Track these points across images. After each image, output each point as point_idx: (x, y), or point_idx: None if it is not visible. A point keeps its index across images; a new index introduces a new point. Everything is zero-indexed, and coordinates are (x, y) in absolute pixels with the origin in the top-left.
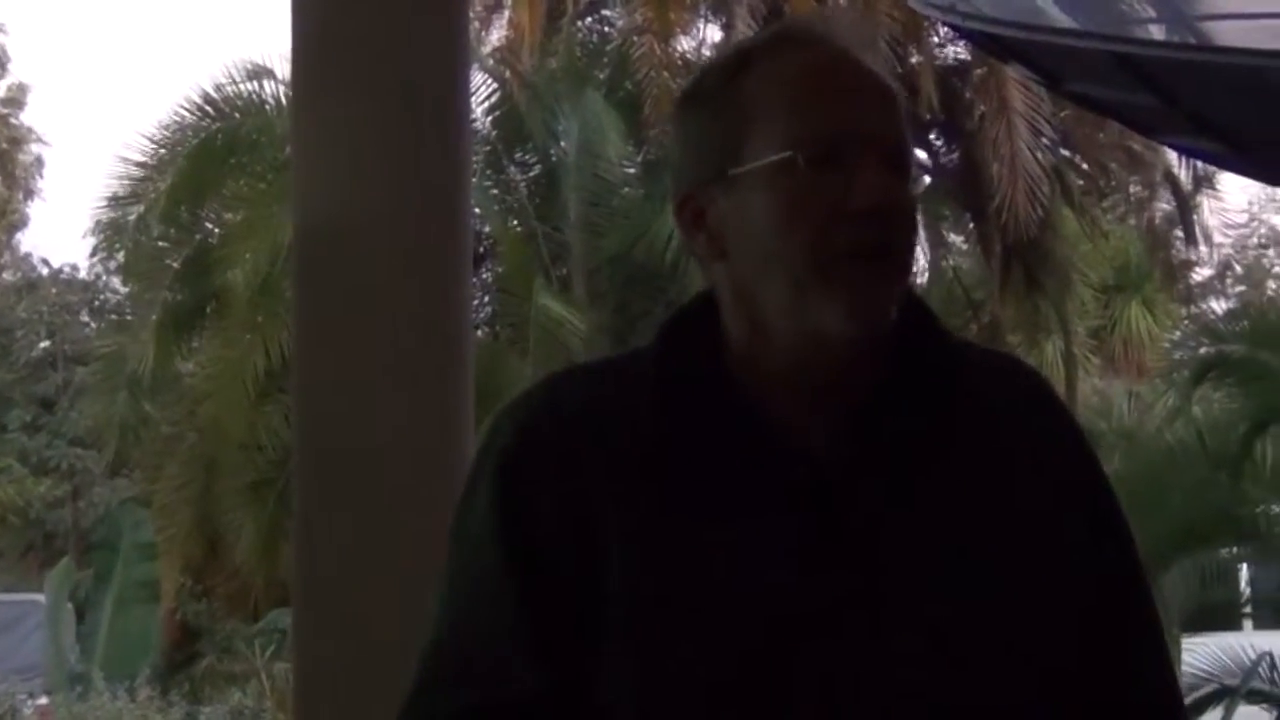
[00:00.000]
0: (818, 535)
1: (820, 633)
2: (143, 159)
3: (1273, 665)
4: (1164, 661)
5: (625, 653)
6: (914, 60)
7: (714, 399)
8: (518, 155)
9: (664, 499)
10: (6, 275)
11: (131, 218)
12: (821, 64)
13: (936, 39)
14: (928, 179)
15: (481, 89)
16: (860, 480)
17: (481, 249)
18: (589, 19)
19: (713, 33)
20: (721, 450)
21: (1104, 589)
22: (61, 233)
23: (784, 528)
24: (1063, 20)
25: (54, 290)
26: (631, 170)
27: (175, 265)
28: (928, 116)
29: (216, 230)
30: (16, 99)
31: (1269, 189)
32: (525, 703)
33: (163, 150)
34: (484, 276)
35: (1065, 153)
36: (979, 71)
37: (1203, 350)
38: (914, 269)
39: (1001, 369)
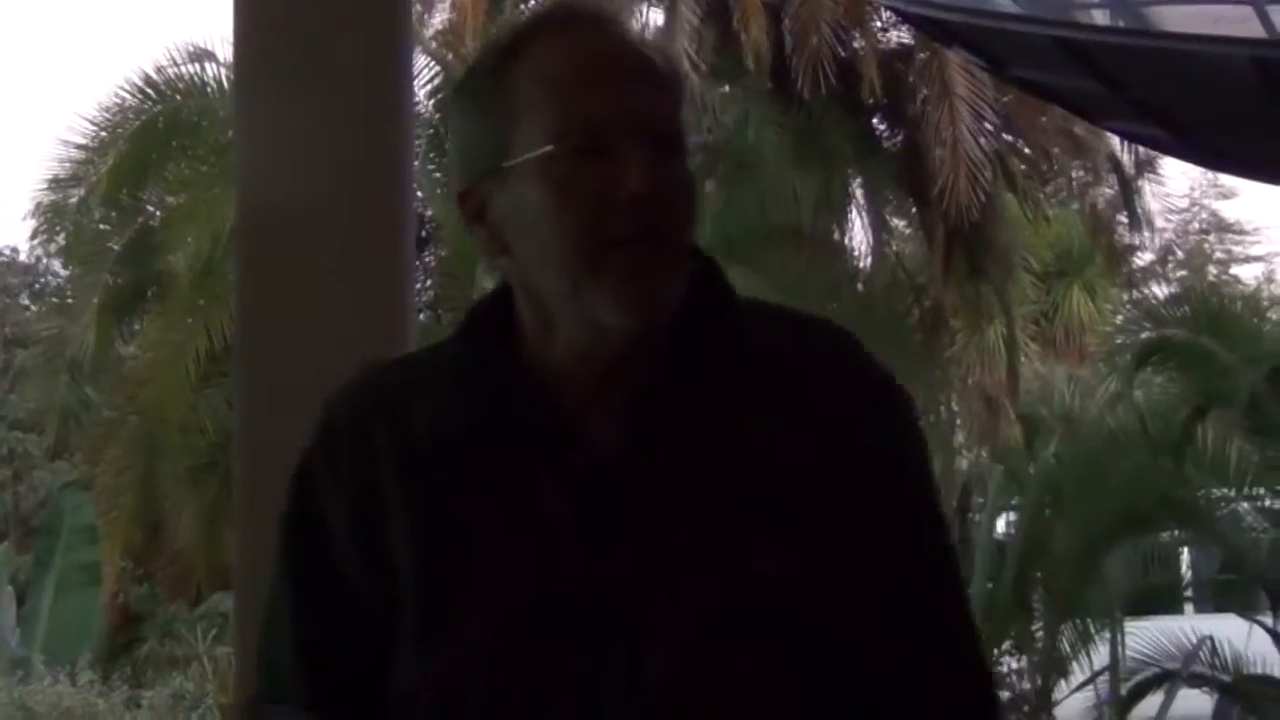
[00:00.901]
0: (593, 521)
1: (588, 619)
2: (83, 141)
3: (1214, 649)
4: (963, 640)
5: (409, 641)
6: (857, 45)
7: (503, 388)
8: None
9: (449, 489)
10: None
11: (72, 200)
12: (587, 48)
13: (879, 23)
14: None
15: (424, 72)
16: (641, 464)
17: (424, 232)
18: (531, 2)
19: (655, 16)
20: (508, 439)
21: (900, 560)
22: (1, 215)
23: (561, 516)
24: (1007, 5)
25: None
26: None
27: (116, 248)
28: (870, 101)
29: (158, 213)
30: None
31: (1210, 174)
32: (304, 707)
33: (103, 132)
34: (427, 260)
35: (1008, 138)
36: (922, 56)
37: (1144, 335)
38: (690, 249)
39: (806, 335)
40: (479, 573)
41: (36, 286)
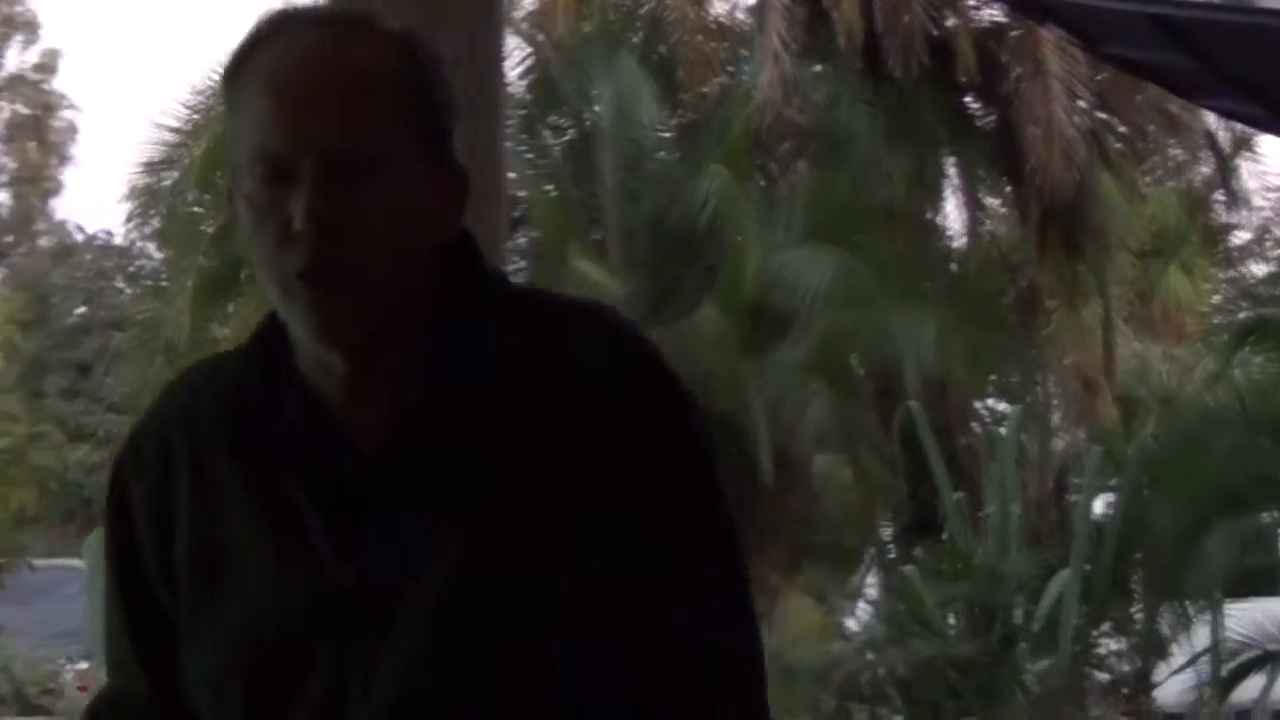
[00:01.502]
0: (346, 527)
1: (331, 621)
2: (177, 124)
3: None
4: (707, 628)
5: (186, 649)
6: (949, 23)
7: (269, 391)
8: (552, 120)
9: (224, 496)
10: (43, 242)
11: (166, 183)
12: (279, 71)
13: (973, 1)
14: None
15: (515, 53)
16: (396, 467)
17: (517, 214)
18: None
19: None
20: (278, 444)
21: (627, 561)
22: (96, 199)
23: (320, 521)
24: None
25: (89, 256)
26: (666, 134)
27: (210, 231)
28: (963, 79)
29: None
30: (48, 65)
31: None
32: (145, 695)
33: (196, 115)
34: (519, 241)
35: (1103, 116)
36: (1015, 34)
37: (1242, 314)
38: (383, 279)
39: (567, 331)
40: (238, 578)
41: (131, 270)
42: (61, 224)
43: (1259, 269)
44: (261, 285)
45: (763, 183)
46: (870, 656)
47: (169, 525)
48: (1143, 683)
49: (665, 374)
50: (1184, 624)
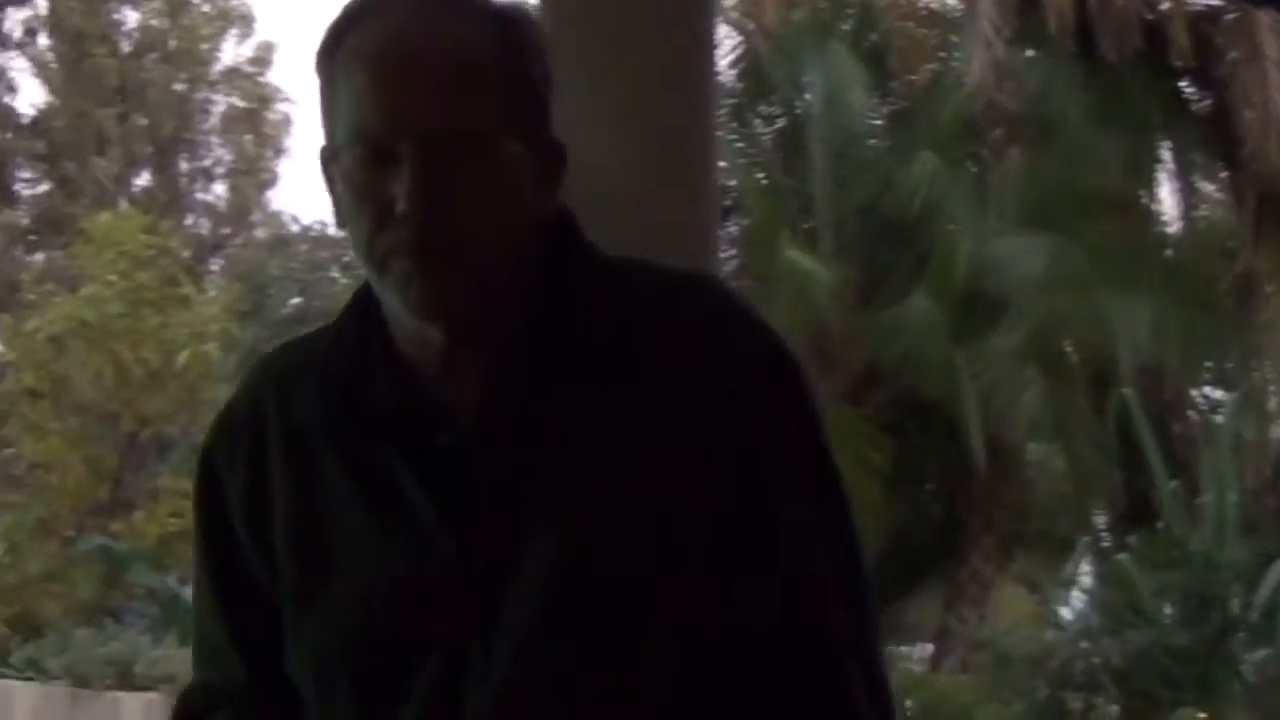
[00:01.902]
0: (451, 504)
1: (445, 598)
2: None
3: None
4: (807, 625)
5: (291, 631)
6: (1164, 6)
7: (371, 368)
8: (762, 108)
9: (318, 473)
10: (259, 233)
11: None
12: (380, 50)
13: None
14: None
15: (726, 42)
16: (496, 442)
17: (728, 203)
18: None
19: None
20: (375, 420)
21: (753, 534)
22: (311, 190)
23: (422, 496)
24: None
25: (305, 247)
26: (877, 122)
27: None
28: (1178, 64)
29: None
30: (263, 58)
31: None
32: (239, 684)
33: None
34: (730, 230)
35: None
36: (1230, 17)
37: None
38: (495, 257)
39: (671, 300)
40: (342, 558)
41: (346, 260)
42: (277, 215)
43: None
44: (356, 262)
45: (974, 169)
46: (1085, 645)
47: (266, 508)
48: None
49: (771, 342)
50: None
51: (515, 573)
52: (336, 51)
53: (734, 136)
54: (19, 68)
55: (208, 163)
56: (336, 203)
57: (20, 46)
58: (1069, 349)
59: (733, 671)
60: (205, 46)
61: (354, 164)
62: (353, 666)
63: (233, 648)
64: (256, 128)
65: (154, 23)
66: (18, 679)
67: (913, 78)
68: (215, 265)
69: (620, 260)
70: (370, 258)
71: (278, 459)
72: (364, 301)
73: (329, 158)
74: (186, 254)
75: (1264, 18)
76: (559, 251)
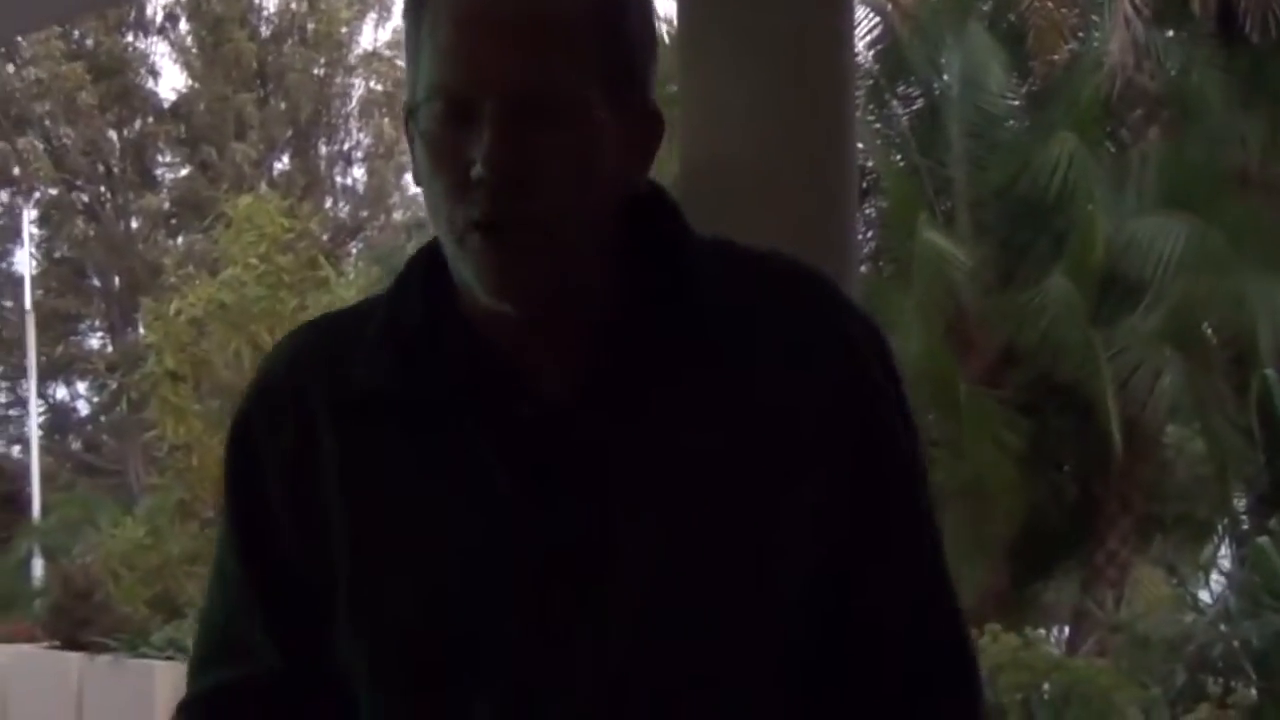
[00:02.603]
0: (535, 478)
1: (527, 584)
2: None
3: None
4: (920, 609)
5: (350, 613)
6: None
7: (433, 335)
8: (900, 89)
9: (383, 447)
10: (396, 216)
11: None
12: (471, 7)
13: None
14: None
15: (864, 23)
16: (587, 418)
17: (865, 184)
18: None
19: None
20: (443, 393)
21: (851, 522)
22: None
23: (504, 469)
24: None
25: None
26: (1015, 102)
27: None
28: None
29: None
30: (401, 41)
31: None
32: (270, 679)
33: None
34: (867, 212)
35: None
36: None
37: None
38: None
39: (767, 281)
40: (408, 534)
41: None
42: (414, 198)
43: None
44: (434, 230)
45: (1113, 150)
46: (1223, 629)
47: (312, 484)
48: None
49: (877, 334)
50: None
51: (612, 555)
52: (423, 5)
53: (871, 118)
54: (160, 53)
55: (346, 146)
56: (416, 162)
57: (161, 32)
58: (1208, 330)
59: (856, 656)
60: (344, 30)
61: (432, 121)
62: (421, 654)
63: (269, 638)
64: (394, 111)
65: (293, 6)
66: (159, 658)
67: (1052, 58)
68: (354, 248)
69: (715, 240)
70: (446, 226)
71: (328, 430)
72: (427, 262)
73: (411, 114)
74: (325, 237)
75: None
76: (650, 227)
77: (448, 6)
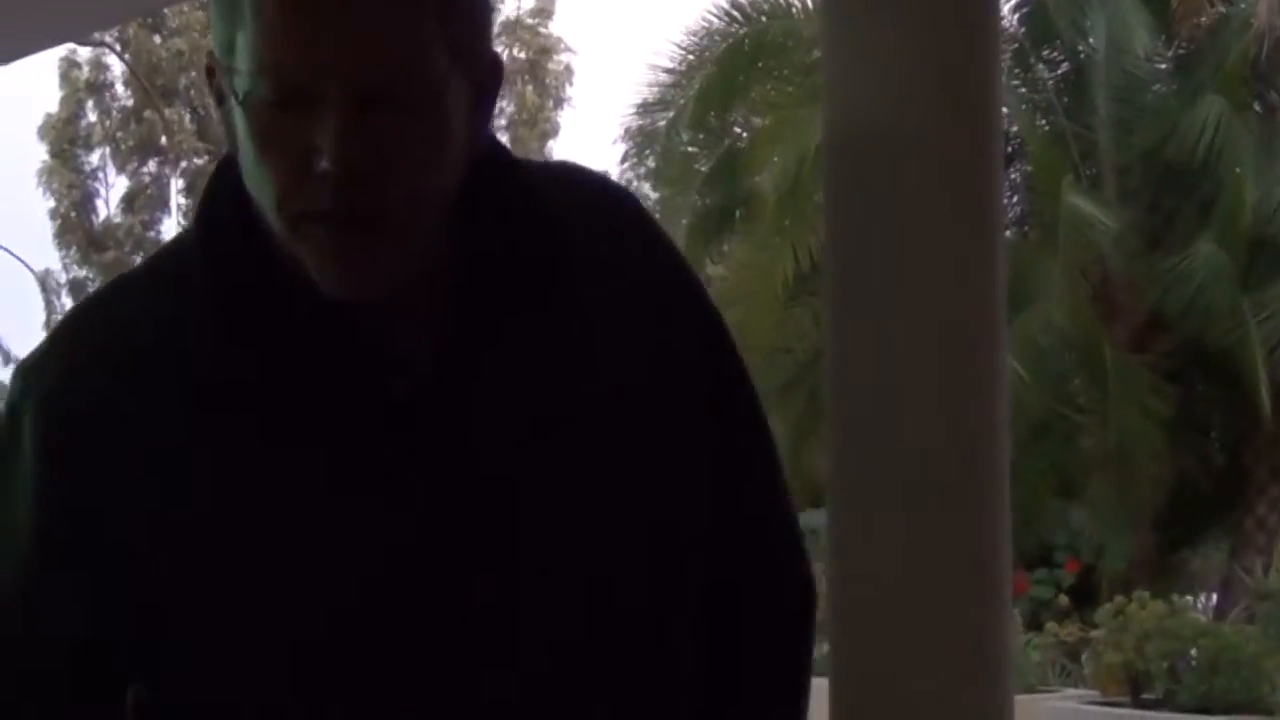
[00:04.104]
0: (414, 455)
1: (438, 569)
2: (671, 65)
3: None
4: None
5: (209, 637)
6: None
7: (279, 312)
8: (1045, 53)
9: (245, 446)
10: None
11: (660, 124)
12: None
13: None
14: None
15: None
16: (463, 386)
17: (1010, 149)
18: None
19: None
20: (296, 368)
21: (719, 427)
22: (591, 140)
23: (391, 452)
24: None
25: None
26: (1161, 66)
27: (704, 170)
28: None
29: (744, 134)
30: (545, 9)
31: None
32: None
33: (691, 56)
34: (1012, 176)
35: None
36: None
37: None
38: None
39: (593, 198)
40: (285, 537)
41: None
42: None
43: None
44: (256, 202)
45: (1260, 112)
46: None
47: (139, 503)
48: None
49: (663, 235)
50: None
51: (516, 526)
52: None
53: (1016, 82)
54: None
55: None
56: (228, 127)
57: None
58: None
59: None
60: None
61: (260, 102)
62: (323, 664)
63: (108, 672)
64: (538, 78)
65: None
66: None
67: (1198, 20)
68: None
69: (541, 174)
70: (278, 209)
71: (162, 430)
72: (233, 200)
73: (225, 78)
74: None
75: None
76: (482, 184)
77: None
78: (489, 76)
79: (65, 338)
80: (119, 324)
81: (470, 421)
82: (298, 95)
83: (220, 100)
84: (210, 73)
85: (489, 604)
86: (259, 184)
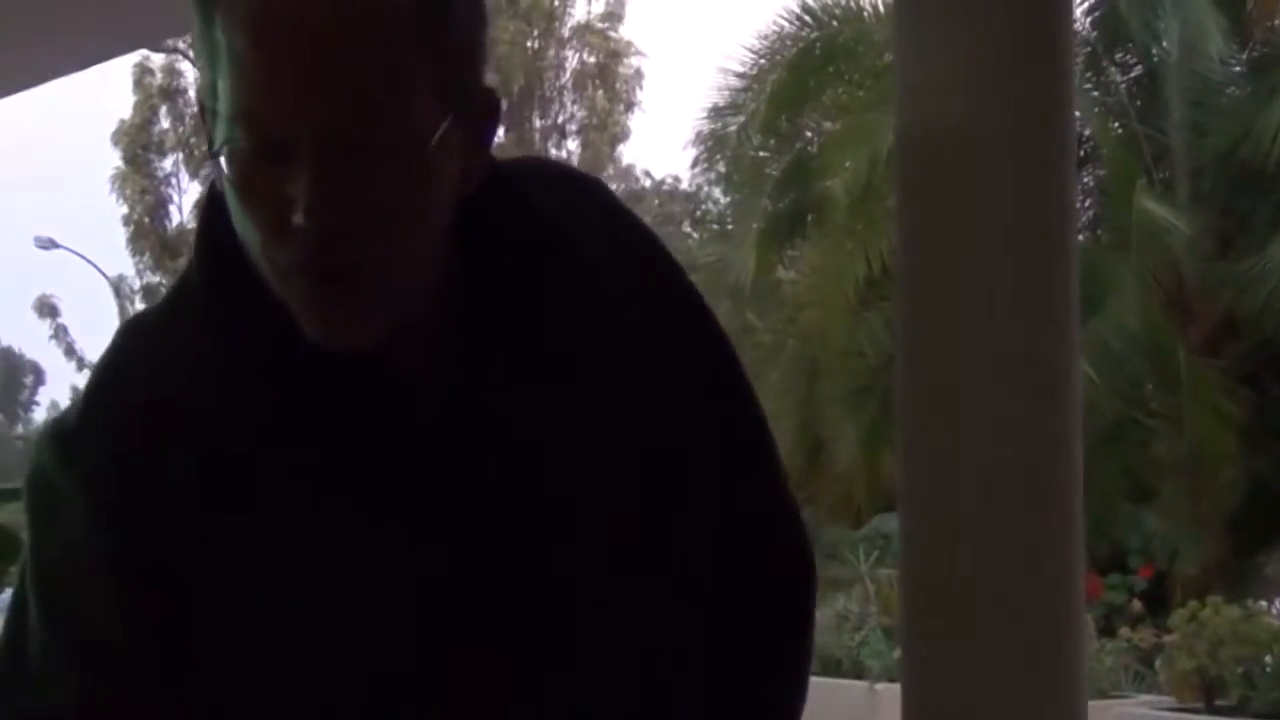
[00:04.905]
0: (440, 483)
1: (489, 603)
2: (742, 70)
3: None
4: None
5: (255, 678)
6: None
7: (291, 364)
8: (1118, 56)
9: (264, 480)
10: (611, 187)
11: (731, 128)
12: (272, 11)
13: None
14: None
15: None
16: (472, 410)
17: (1082, 152)
18: None
19: None
20: (319, 405)
21: (723, 447)
22: (662, 144)
23: (427, 487)
24: None
25: (657, 202)
26: (1236, 68)
27: (775, 174)
28: None
29: (815, 139)
30: (615, 13)
31: None
32: None
33: (762, 60)
34: (1085, 180)
35: None
36: None
37: None
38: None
39: (577, 196)
40: (333, 582)
41: (697, 214)
42: (629, 170)
43: None
44: (247, 253)
45: None
46: None
47: (195, 557)
48: None
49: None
50: None
51: (552, 548)
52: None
53: (1089, 85)
54: None
55: (560, 119)
56: (219, 176)
57: None
58: None
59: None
60: (557, 4)
61: (238, 152)
62: (384, 700)
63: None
64: (608, 82)
65: None
66: None
67: (1272, 22)
68: None
69: (528, 178)
70: (265, 262)
71: (196, 488)
72: (225, 243)
73: (208, 119)
74: None
75: None
76: (478, 219)
77: (243, 13)
78: (483, 111)
79: (101, 403)
80: (151, 381)
81: (490, 445)
82: (273, 144)
83: (209, 141)
84: (202, 109)
85: (533, 629)
86: (242, 232)
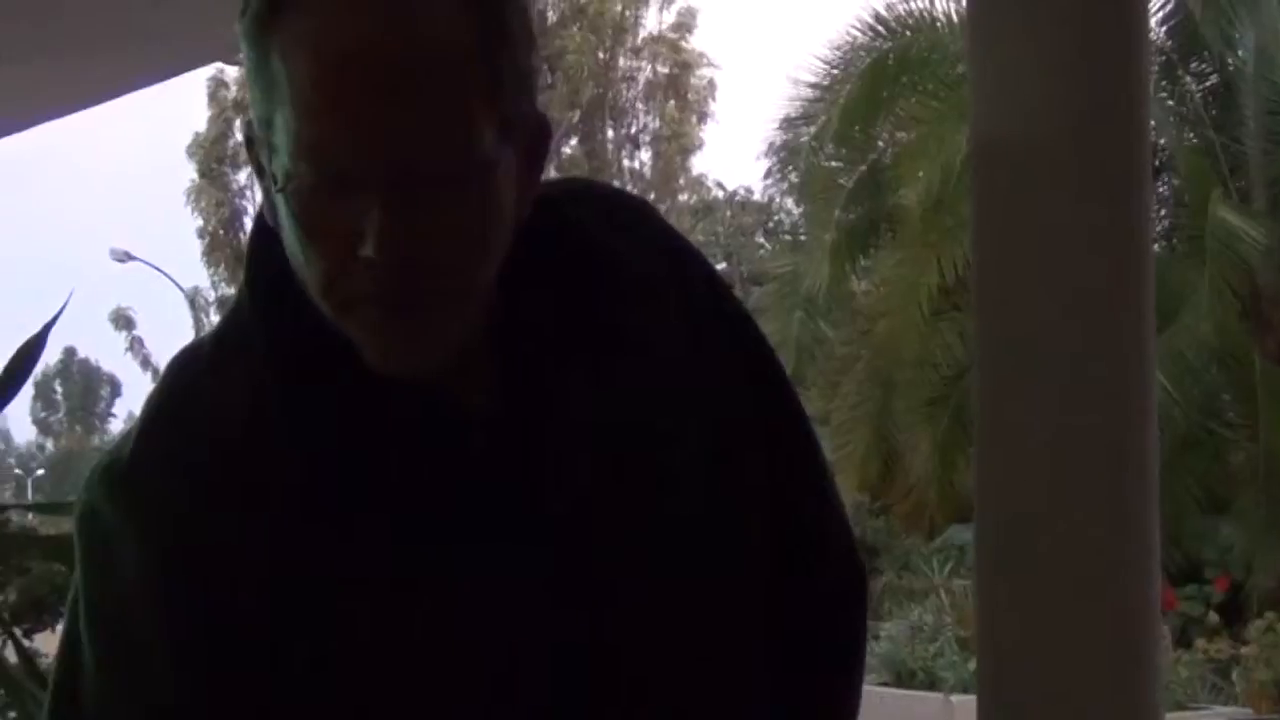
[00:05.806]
0: (527, 518)
1: (562, 619)
2: (814, 80)
3: None
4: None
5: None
6: None
7: (341, 374)
8: (1193, 65)
9: (327, 517)
10: (683, 198)
11: (804, 139)
12: (334, 41)
13: None
14: None
15: None
16: (538, 432)
17: (1157, 162)
18: None
19: None
20: (375, 443)
21: (773, 454)
22: (734, 155)
23: (498, 509)
24: None
25: (729, 213)
26: None
27: (848, 185)
28: None
29: (888, 149)
30: (686, 23)
31: None
32: None
33: (835, 70)
34: (1160, 190)
35: None
36: None
37: None
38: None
39: (616, 213)
40: (406, 627)
41: (770, 225)
42: (701, 181)
43: None
44: (303, 286)
45: None
46: None
47: (240, 604)
48: None
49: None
50: None
51: (619, 569)
52: (272, 28)
53: (1164, 94)
54: None
55: (633, 130)
56: (267, 197)
57: None
58: None
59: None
60: (628, 14)
61: (302, 188)
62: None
63: None
64: (679, 93)
65: None
66: None
67: None
68: None
69: (578, 205)
70: (327, 294)
71: (261, 533)
72: (279, 277)
73: (263, 152)
74: None
75: None
76: (528, 242)
77: (307, 35)
78: (537, 138)
79: (155, 443)
80: (205, 420)
81: (547, 469)
82: (340, 179)
83: (260, 172)
84: (249, 142)
85: (607, 653)
86: (303, 267)
